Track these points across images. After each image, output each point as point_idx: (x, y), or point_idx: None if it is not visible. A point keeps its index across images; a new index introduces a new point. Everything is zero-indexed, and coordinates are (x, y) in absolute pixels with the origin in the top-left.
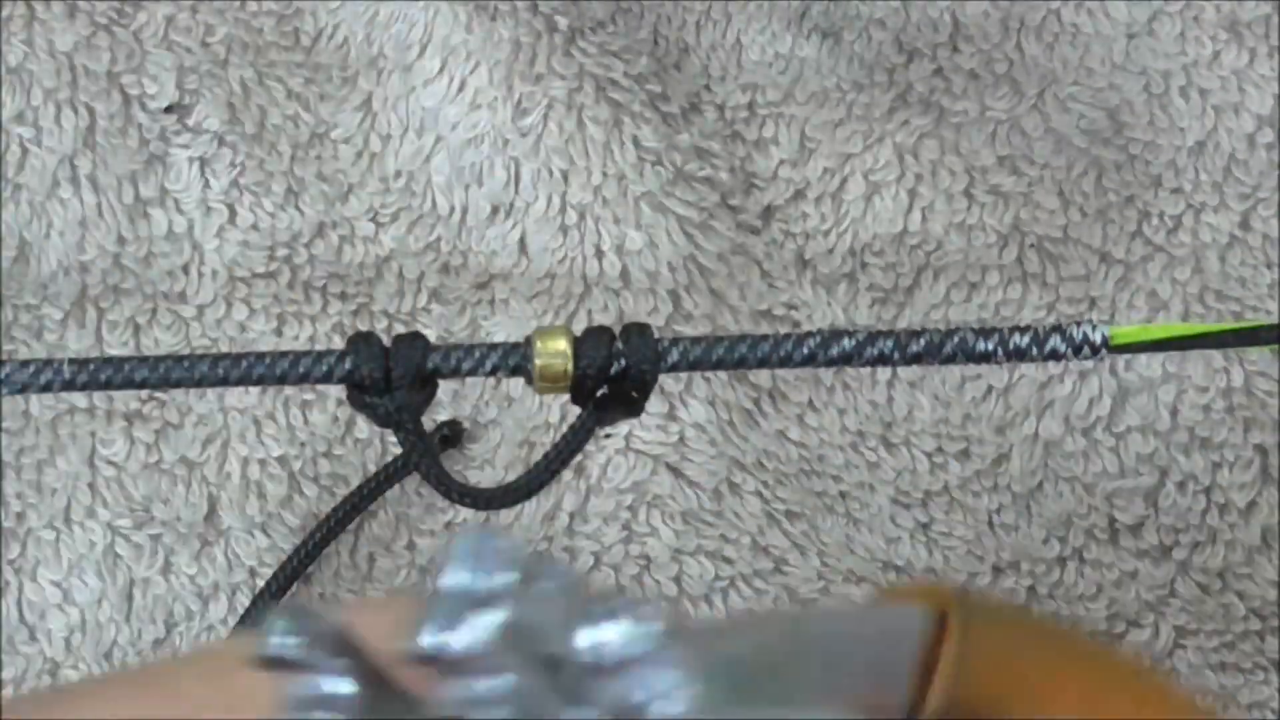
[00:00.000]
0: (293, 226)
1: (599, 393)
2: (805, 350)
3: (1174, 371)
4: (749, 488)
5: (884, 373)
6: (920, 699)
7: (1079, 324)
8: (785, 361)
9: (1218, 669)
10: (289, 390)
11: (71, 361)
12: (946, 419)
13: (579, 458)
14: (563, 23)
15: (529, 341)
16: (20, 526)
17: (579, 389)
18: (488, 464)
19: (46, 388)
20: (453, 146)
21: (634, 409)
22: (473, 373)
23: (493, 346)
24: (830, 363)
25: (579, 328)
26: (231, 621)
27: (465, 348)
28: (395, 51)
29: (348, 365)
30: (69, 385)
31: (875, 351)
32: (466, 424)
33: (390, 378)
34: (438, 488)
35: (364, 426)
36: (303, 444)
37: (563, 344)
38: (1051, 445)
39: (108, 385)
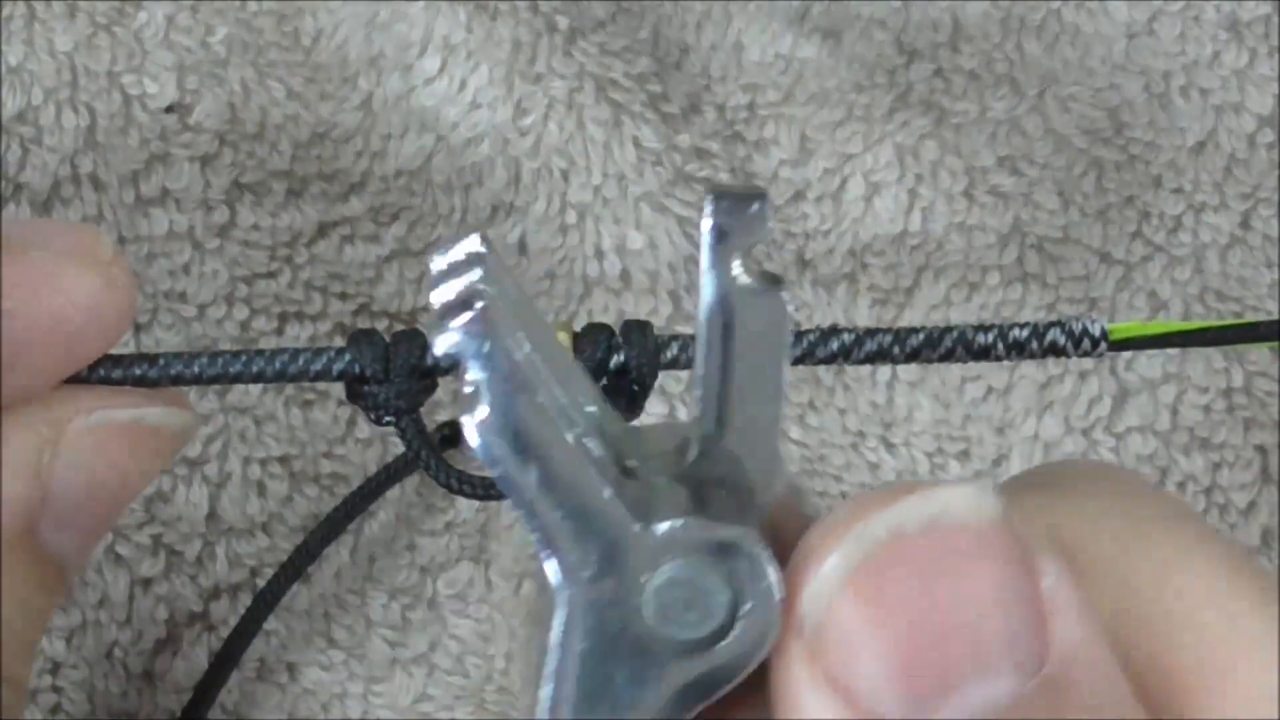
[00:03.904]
0: (293, 226)
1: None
2: (803, 345)
3: (1174, 372)
4: None
5: (884, 373)
6: None
7: (1078, 319)
8: None
9: None
10: (290, 389)
11: None
12: (946, 419)
13: None
14: (563, 23)
15: None
16: None
17: None
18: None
19: None
20: (453, 146)
21: (634, 407)
22: None
23: None
24: (829, 358)
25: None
26: (233, 621)
27: None
28: (395, 51)
29: (348, 358)
30: (71, 382)
31: (874, 346)
32: None
33: (390, 370)
34: (436, 476)
35: (365, 427)
36: (304, 444)
37: (562, 339)
38: (1051, 446)
39: (107, 382)
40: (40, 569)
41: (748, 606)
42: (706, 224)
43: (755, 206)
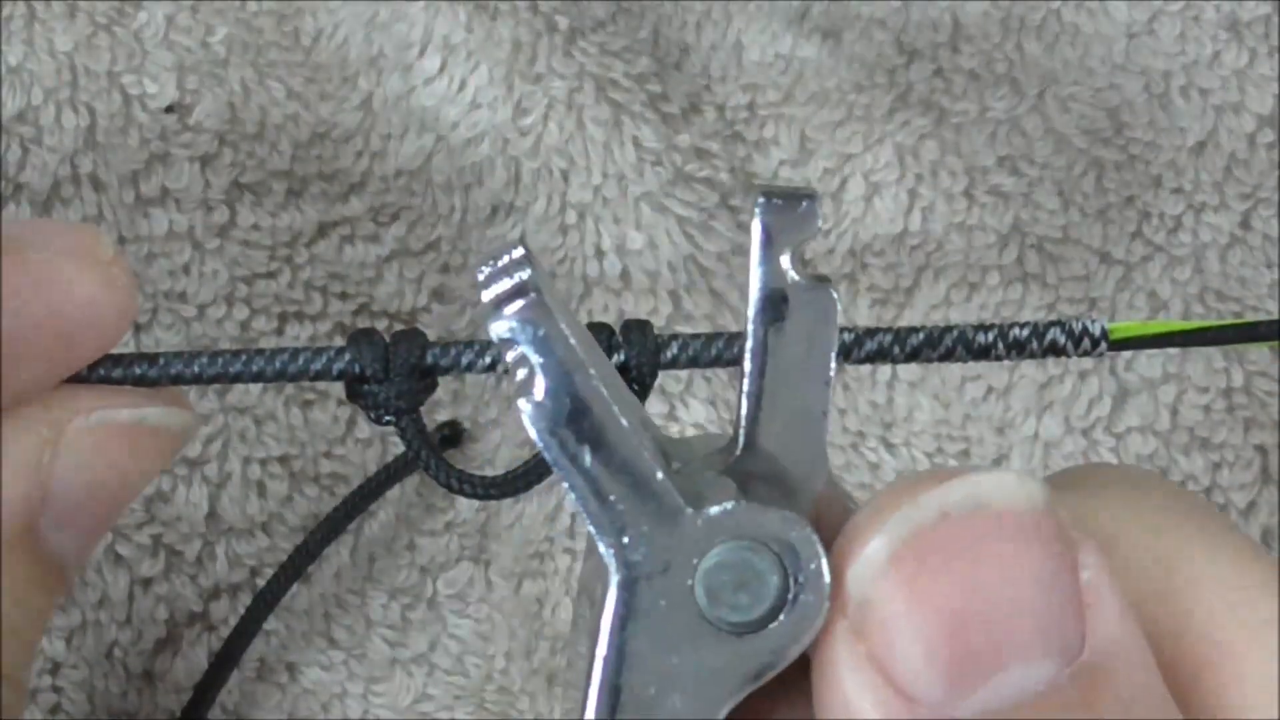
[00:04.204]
0: (293, 226)
1: None
2: None
3: (1174, 372)
4: None
5: (884, 373)
6: None
7: (1078, 319)
8: None
9: None
10: (290, 389)
11: None
12: (946, 419)
13: None
14: (563, 23)
15: None
16: None
17: None
18: (488, 464)
19: None
20: (453, 146)
21: None
22: (470, 368)
23: (490, 343)
24: None
25: None
26: (234, 621)
27: (463, 343)
28: (395, 51)
29: (348, 357)
30: (71, 382)
31: (874, 345)
32: (467, 424)
33: (390, 370)
34: (436, 476)
35: (365, 427)
36: (304, 444)
37: None
38: (1051, 445)
39: (107, 382)
40: (40, 569)
41: (797, 588)
42: (756, 223)
43: (804, 205)
